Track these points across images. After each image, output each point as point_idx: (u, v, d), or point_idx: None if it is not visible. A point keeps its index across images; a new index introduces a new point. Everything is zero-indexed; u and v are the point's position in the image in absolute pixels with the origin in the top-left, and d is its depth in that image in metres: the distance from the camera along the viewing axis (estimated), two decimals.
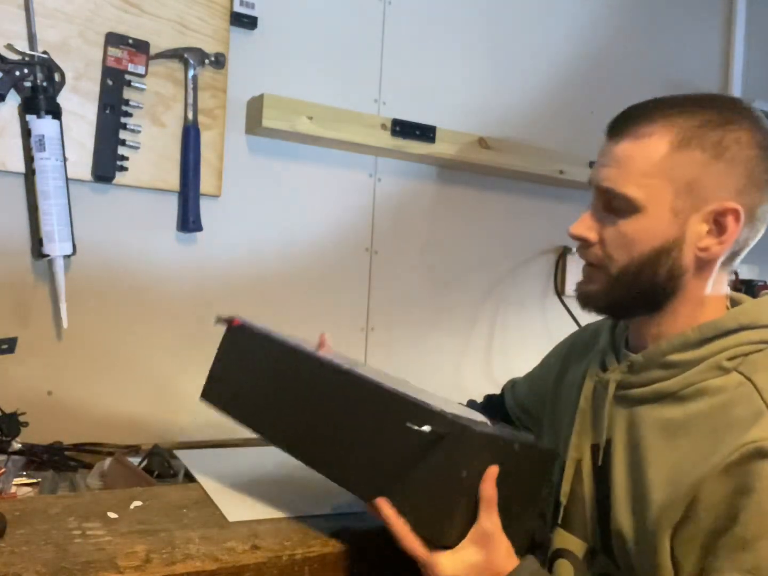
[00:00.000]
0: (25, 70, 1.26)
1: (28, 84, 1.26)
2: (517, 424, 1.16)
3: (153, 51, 1.38)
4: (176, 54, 1.40)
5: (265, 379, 1.02)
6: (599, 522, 0.86)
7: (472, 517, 0.80)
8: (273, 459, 1.34)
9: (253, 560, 0.86)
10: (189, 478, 1.16)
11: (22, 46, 1.27)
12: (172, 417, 1.46)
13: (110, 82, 1.34)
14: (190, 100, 1.42)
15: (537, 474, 0.90)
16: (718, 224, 0.79)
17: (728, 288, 0.86)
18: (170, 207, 1.44)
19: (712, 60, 2.24)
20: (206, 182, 1.44)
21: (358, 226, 1.67)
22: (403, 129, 1.60)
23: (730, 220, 0.78)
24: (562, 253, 1.94)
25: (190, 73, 1.41)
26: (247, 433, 1.50)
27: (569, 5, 1.94)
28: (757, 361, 0.78)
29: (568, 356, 1.05)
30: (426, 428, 0.79)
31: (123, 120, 1.35)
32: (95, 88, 1.34)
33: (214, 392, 1.08)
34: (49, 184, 1.26)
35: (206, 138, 1.44)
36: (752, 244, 0.83)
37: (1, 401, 1.22)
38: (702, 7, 2.20)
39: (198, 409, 1.49)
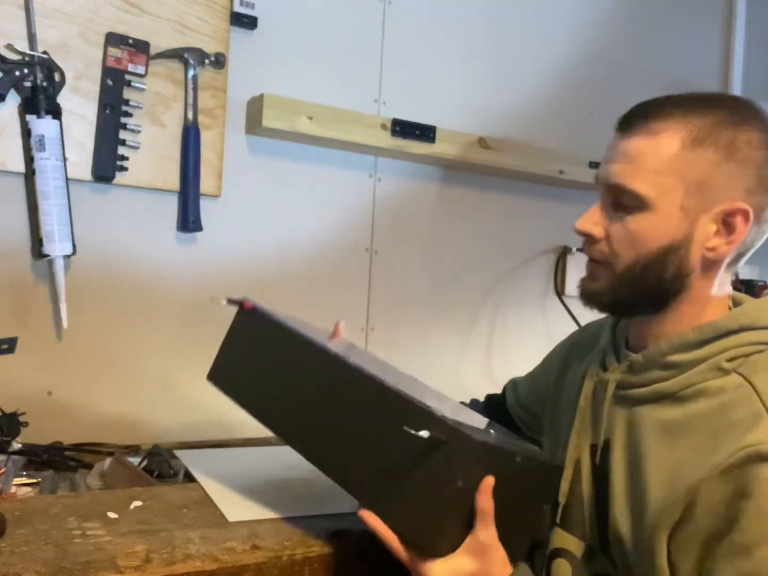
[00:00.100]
0: (25, 70, 1.26)
1: (28, 84, 1.26)
2: (518, 423, 1.16)
3: (153, 51, 1.38)
4: (176, 54, 1.40)
5: (270, 366, 1.01)
6: (597, 522, 0.86)
7: (465, 528, 0.79)
8: (273, 459, 1.34)
9: (253, 560, 0.86)
10: (189, 478, 1.16)
11: (22, 46, 1.27)
12: (172, 417, 1.46)
13: (110, 82, 1.34)
14: (190, 100, 1.42)
15: (539, 487, 0.88)
16: (726, 224, 0.79)
17: (731, 288, 0.86)
18: (170, 207, 1.44)
19: (712, 60, 2.24)
20: (206, 182, 1.44)
21: (358, 226, 1.67)
22: (403, 129, 1.60)
23: (739, 221, 0.78)
24: (562, 253, 1.94)
25: (190, 73, 1.41)
26: (247, 433, 1.51)
27: (569, 5, 1.94)
28: (757, 362, 0.77)
29: (569, 356, 1.04)
30: (424, 433, 0.78)
31: (123, 120, 1.36)
32: (95, 88, 1.34)
33: (220, 374, 1.06)
34: (49, 184, 1.26)
35: (206, 138, 1.44)
36: (758, 245, 0.83)
37: (1, 401, 1.22)
38: (702, 7, 2.20)
39: (198, 409, 1.50)
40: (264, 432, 1.53)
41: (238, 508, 1.00)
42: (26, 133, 1.27)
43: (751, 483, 0.69)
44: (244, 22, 1.48)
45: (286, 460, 1.34)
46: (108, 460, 1.19)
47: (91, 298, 1.38)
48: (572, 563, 0.88)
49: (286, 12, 1.55)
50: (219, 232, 1.49)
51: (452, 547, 0.78)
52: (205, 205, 1.45)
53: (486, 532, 0.78)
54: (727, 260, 0.81)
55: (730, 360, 0.78)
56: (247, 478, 1.14)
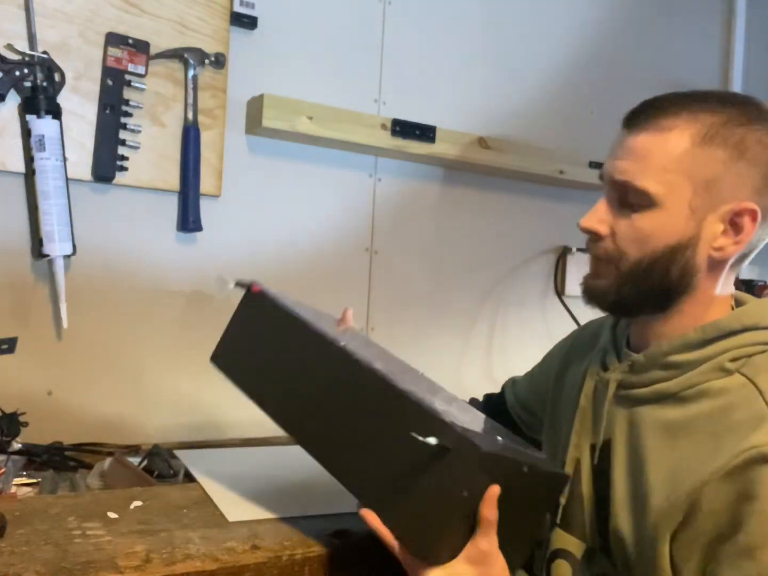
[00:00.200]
0: (25, 70, 1.26)
1: (28, 84, 1.26)
2: (518, 423, 1.15)
3: (153, 51, 1.38)
4: (176, 54, 1.40)
5: (275, 352, 0.99)
6: (598, 522, 0.85)
7: (466, 535, 0.77)
8: (273, 459, 1.34)
9: (253, 560, 0.86)
10: (189, 478, 1.16)
11: (22, 46, 1.27)
12: (172, 417, 1.46)
13: (110, 82, 1.34)
14: (190, 100, 1.42)
15: (543, 496, 0.87)
16: (734, 224, 0.78)
17: (734, 288, 0.85)
18: (170, 207, 1.44)
19: (712, 60, 2.24)
20: (206, 182, 1.44)
21: (358, 226, 1.67)
22: (403, 129, 1.60)
23: (746, 221, 0.77)
24: (562, 253, 1.94)
25: (190, 73, 1.41)
26: (247, 433, 1.51)
27: (569, 5, 1.94)
28: (760, 362, 0.77)
29: (569, 355, 1.04)
30: (432, 440, 0.76)
31: (123, 120, 1.36)
32: (95, 88, 1.34)
33: (223, 357, 1.05)
34: (49, 184, 1.26)
35: (206, 138, 1.44)
36: (761, 245, 0.82)
37: (1, 401, 1.22)
38: (702, 7, 2.20)
39: (198, 409, 1.50)
40: (264, 432, 1.54)
41: (238, 508, 1.00)
42: (26, 133, 1.27)
43: (754, 485, 0.69)
44: (244, 22, 1.48)
45: (286, 460, 1.34)
46: (108, 460, 1.19)
47: (91, 298, 1.38)
48: (572, 564, 0.88)
49: (286, 12, 1.55)
50: (219, 232, 1.49)
51: (452, 554, 0.77)
52: (205, 205, 1.45)
53: (487, 540, 0.77)
54: (732, 260, 0.81)
55: (732, 360, 0.77)
56: (247, 478, 1.14)
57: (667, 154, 0.77)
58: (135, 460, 1.21)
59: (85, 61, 1.33)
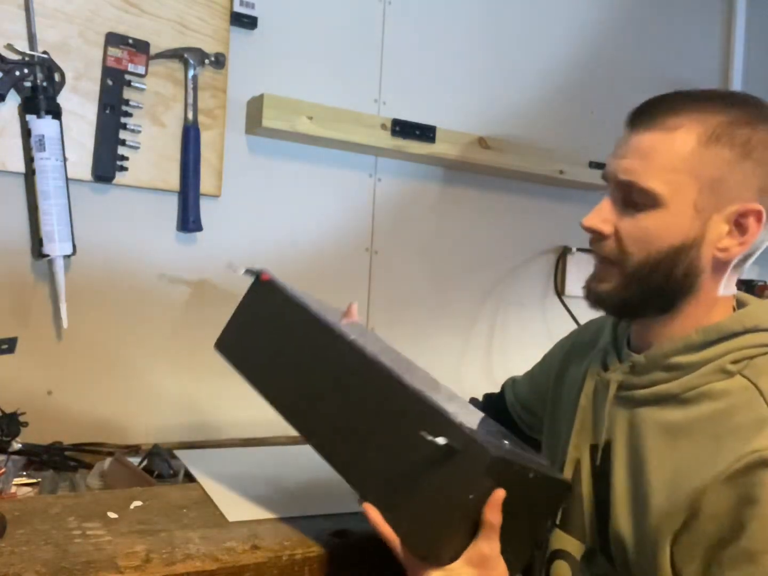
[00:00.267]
0: (25, 70, 1.26)
1: (28, 84, 1.26)
2: (518, 422, 1.15)
3: (153, 51, 1.38)
4: (176, 54, 1.40)
5: (282, 342, 0.99)
6: (597, 523, 0.85)
7: (468, 537, 0.77)
8: (273, 459, 1.34)
9: (253, 560, 0.86)
10: (189, 478, 1.16)
11: (22, 46, 1.27)
12: (172, 417, 1.46)
13: (110, 82, 1.34)
14: (190, 100, 1.42)
15: (546, 502, 0.87)
16: (739, 225, 0.77)
17: (735, 289, 0.85)
18: (170, 207, 1.44)
19: (712, 60, 2.24)
20: (206, 182, 1.44)
21: (358, 226, 1.67)
22: (403, 129, 1.60)
23: (751, 222, 0.77)
24: (562, 253, 1.94)
25: (190, 73, 1.41)
26: (247, 433, 1.51)
27: (569, 5, 1.94)
28: (762, 364, 0.76)
29: (569, 354, 1.03)
30: (441, 440, 0.75)
31: (123, 120, 1.36)
32: (95, 88, 1.34)
33: (228, 344, 1.04)
34: (49, 184, 1.26)
35: (206, 138, 1.44)
36: (765, 246, 0.82)
37: (1, 401, 1.22)
38: (702, 7, 2.20)
39: (198, 409, 1.50)
40: (264, 432, 1.54)
41: (238, 508, 1.00)
42: (26, 133, 1.27)
43: (757, 489, 0.69)
44: (244, 22, 1.48)
45: (286, 460, 1.34)
46: (108, 460, 1.19)
47: (91, 298, 1.38)
48: (572, 565, 0.88)
49: (286, 12, 1.55)
50: (219, 232, 1.49)
51: (453, 556, 0.77)
52: (205, 205, 1.45)
53: (489, 544, 0.76)
54: (735, 261, 0.80)
55: (734, 362, 0.77)
56: (247, 478, 1.14)
57: (673, 154, 0.76)
58: (135, 460, 1.21)
59: (85, 61, 1.33)
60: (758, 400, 0.74)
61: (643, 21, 2.07)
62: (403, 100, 1.69)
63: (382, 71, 1.68)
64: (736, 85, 2.24)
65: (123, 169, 1.36)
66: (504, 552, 0.78)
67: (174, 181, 1.42)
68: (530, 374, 1.16)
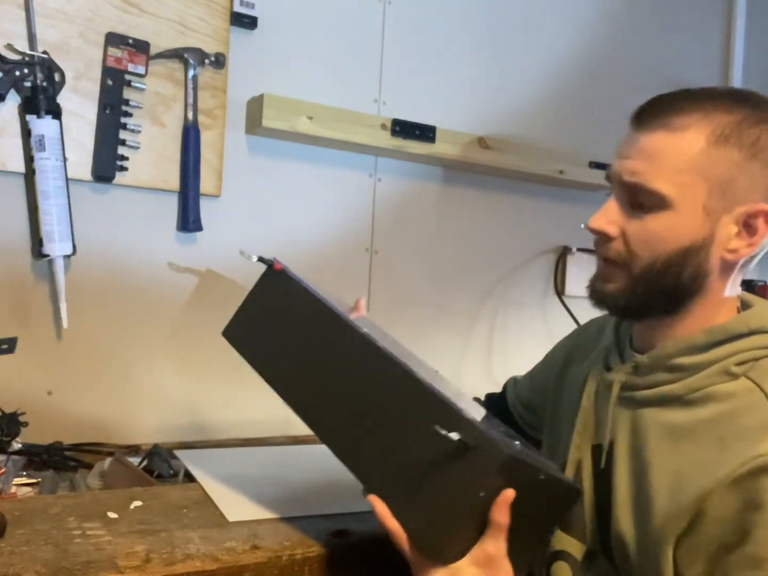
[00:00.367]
0: (25, 70, 1.26)
1: (28, 84, 1.26)
2: (519, 422, 1.15)
3: (153, 51, 1.38)
4: (176, 54, 1.40)
5: (292, 332, 0.98)
6: (599, 524, 0.85)
7: (475, 536, 0.76)
8: (273, 459, 1.34)
9: (253, 560, 0.86)
10: (189, 478, 1.16)
11: (22, 46, 1.27)
12: (172, 417, 1.46)
13: (110, 82, 1.34)
14: (190, 100, 1.42)
15: (554, 506, 0.85)
16: (747, 226, 0.76)
17: (740, 289, 0.84)
18: (170, 207, 1.44)
19: (712, 60, 2.24)
20: (206, 182, 1.44)
21: (358, 226, 1.67)
22: (403, 129, 1.60)
23: (760, 223, 0.76)
24: (562, 253, 1.94)
25: (190, 73, 1.41)
26: (247, 433, 1.51)
27: (569, 5, 1.94)
28: (767, 366, 0.76)
29: (571, 354, 1.03)
30: (454, 435, 0.74)
31: (123, 120, 1.36)
32: (95, 88, 1.34)
33: (237, 332, 1.04)
34: (49, 184, 1.26)
35: (206, 138, 1.44)
36: None
37: (1, 401, 1.22)
38: (702, 6, 2.20)
39: (198, 409, 1.50)
40: (264, 432, 1.54)
41: (238, 508, 1.00)
42: (26, 133, 1.27)
43: (762, 494, 0.68)
44: (244, 22, 1.48)
45: (286, 460, 1.34)
46: (108, 460, 1.19)
47: (91, 298, 1.38)
48: (572, 566, 0.87)
49: (286, 12, 1.55)
50: (219, 232, 1.49)
51: (459, 554, 0.76)
52: (205, 205, 1.45)
53: (496, 544, 0.76)
54: (741, 262, 0.79)
55: (738, 364, 0.76)
56: (247, 478, 1.14)
57: (681, 155, 0.75)
58: (135, 460, 1.21)
59: (85, 61, 1.33)
60: (763, 402, 0.73)
61: (643, 21, 2.07)
62: (403, 100, 1.69)
63: (382, 71, 1.68)
64: (736, 85, 2.24)
65: (123, 169, 1.36)
66: (509, 553, 0.77)
67: (174, 181, 1.42)
68: (532, 374, 1.16)
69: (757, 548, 0.68)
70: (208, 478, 1.13)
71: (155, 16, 1.39)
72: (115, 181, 1.36)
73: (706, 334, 0.78)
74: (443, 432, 0.75)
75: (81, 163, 1.33)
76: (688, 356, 0.78)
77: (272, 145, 1.54)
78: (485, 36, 1.81)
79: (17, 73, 1.25)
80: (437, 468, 0.77)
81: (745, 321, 0.78)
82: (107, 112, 1.34)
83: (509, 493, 0.75)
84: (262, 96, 1.45)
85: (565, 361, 1.03)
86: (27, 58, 1.26)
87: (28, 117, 1.26)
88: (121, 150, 1.36)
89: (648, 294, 0.79)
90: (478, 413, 0.94)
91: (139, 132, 1.37)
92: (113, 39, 1.34)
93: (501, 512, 0.75)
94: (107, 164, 1.35)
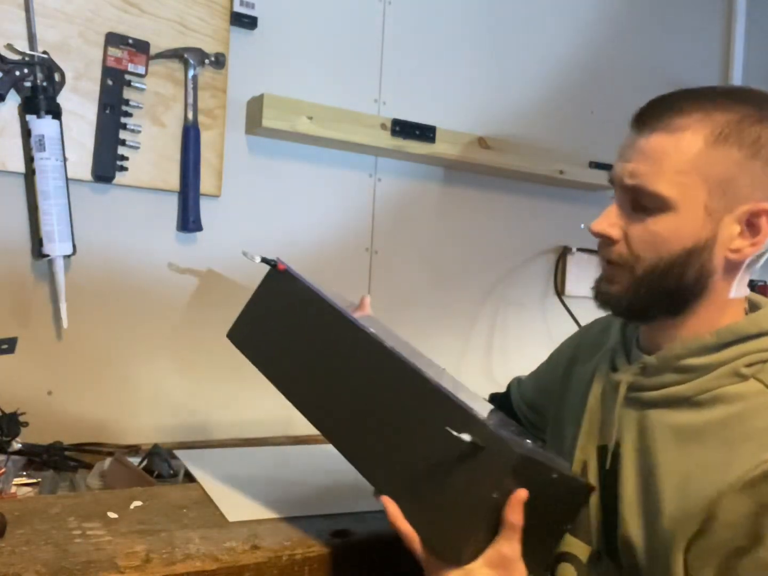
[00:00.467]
0: (25, 70, 1.26)
1: (28, 84, 1.26)
2: (523, 422, 1.14)
3: (153, 51, 1.38)
4: (176, 54, 1.40)
5: (297, 333, 0.98)
6: (605, 526, 0.84)
7: (489, 537, 0.75)
8: (273, 459, 1.34)
9: (253, 560, 0.86)
10: (189, 478, 1.16)
11: (22, 46, 1.27)
12: (172, 417, 1.46)
13: (110, 82, 1.34)
14: (190, 100, 1.42)
15: (567, 505, 0.85)
16: (750, 225, 0.76)
17: (748, 290, 0.83)
18: (170, 207, 1.44)
19: (712, 60, 2.24)
20: (206, 182, 1.44)
21: (358, 226, 1.67)
22: (403, 129, 1.60)
23: (763, 221, 0.75)
24: (562, 253, 1.94)
25: (190, 73, 1.41)
26: (247, 433, 1.51)
27: (569, 5, 1.94)
28: None
29: (576, 353, 1.02)
30: (466, 436, 0.74)
31: (123, 120, 1.36)
32: (95, 88, 1.34)
33: (241, 334, 1.04)
34: (49, 184, 1.26)
35: (206, 138, 1.44)
36: None
37: (1, 401, 1.22)
38: (702, 6, 2.20)
39: (198, 409, 1.50)
40: (264, 432, 1.54)
41: (238, 508, 1.00)
42: (26, 133, 1.27)
43: None
44: (244, 22, 1.48)
45: (287, 460, 1.34)
46: (108, 460, 1.19)
47: (91, 298, 1.38)
48: (577, 568, 0.86)
49: (286, 12, 1.55)
50: (219, 232, 1.49)
51: (473, 556, 0.76)
52: (205, 205, 1.45)
53: (510, 545, 0.75)
54: (747, 261, 0.78)
55: (748, 365, 0.75)
56: (247, 478, 1.14)
57: (680, 156, 0.75)
58: (135, 460, 1.21)
59: (85, 61, 1.33)
60: None
61: (643, 21, 2.07)
62: (403, 100, 1.69)
63: (382, 71, 1.68)
64: (736, 84, 2.24)
65: (123, 169, 1.36)
66: (524, 554, 0.76)
67: (174, 181, 1.42)
68: (536, 373, 1.15)
69: None
70: (208, 478, 1.13)
71: (155, 16, 1.39)
72: (115, 181, 1.36)
73: (715, 335, 0.77)
74: (455, 433, 0.74)
75: (81, 163, 1.33)
76: (697, 357, 0.78)
77: (272, 145, 1.55)
78: (485, 36, 1.81)
79: (17, 73, 1.25)
80: (448, 469, 0.77)
81: (756, 322, 0.77)
82: (107, 112, 1.34)
83: (522, 493, 0.74)
84: (262, 96, 1.45)
85: (569, 361, 1.02)
86: (27, 58, 1.26)
87: (28, 117, 1.26)
88: (121, 150, 1.36)
89: (651, 295, 0.79)
90: (484, 408, 0.94)
91: (139, 132, 1.37)
92: (113, 39, 1.34)
93: (514, 512, 0.74)
94: (107, 164, 1.35)
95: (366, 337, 0.90)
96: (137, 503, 1.00)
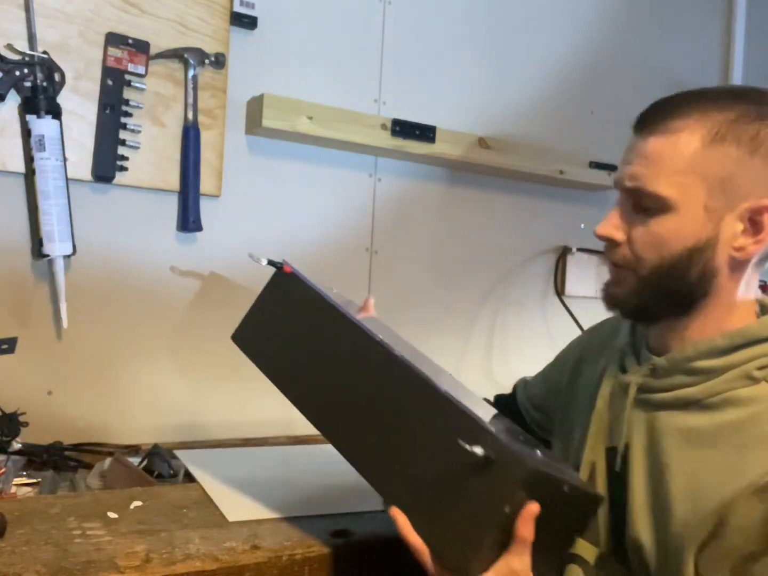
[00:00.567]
0: (25, 70, 1.26)
1: (28, 84, 1.26)
2: (529, 422, 1.14)
3: (153, 51, 1.38)
4: (176, 54, 1.40)
5: (303, 337, 0.97)
6: (613, 528, 0.83)
7: (500, 550, 0.75)
8: (273, 459, 1.34)
9: (253, 560, 0.86)
10: (189, 478, 1.16)
11: (22, 46, 1.27)
12: (172, 417, 1.46)
13: (110, 82, 1.34)
14: (190, 100, 1.42)
15: (577, 516, 0.84)
16: (753, 223, 0.75)
17: (759, 291, 0.83)
18: (170, 207, 1.44)
19: (712, 60, 2.24)
20: (206, 182, 1.44)
21: (358, 226, 1.67)
22: (403, 129, 1.60)
23: (766, 218, 0.75)
24: (562, 253, 1.94)
25: (190, 73, 1.41)
26: (247, 433, 1.51)
27: (569, 5, 1.94)
28: None
29: (583, 355, 1.01)
30: (479, 450, 0.74)
31: (123, 120, 1.36)
32: (95, 88, 1.34)
33: (246, 336, 1.03)
34: (49, 184, 1.26)
35: (206, 138, 1.44)
36: None
37: (1, 401, 1.22)
38: (702, 6, 2.20)
39: (198, 409, 1.50)
40: (264, 432, 1.54)
41: (238, 508, 1.00)
42: (26, 133, 1.27)
43: None
44: (244, 22, 1.48)
45: (287, 460, 1.34)
46: (108, 460, 1.19)
47: (91, 298, 1.38)
48: (585, 569, 0.86)
49: (286, 12, 1.55)
50: (219, 232, 1.49)
51: (483, 569, 0.75)
52: (205, 205, 1.45)
53: (520, 559, 0.74)
54: (754, 260, 0.78)
55: (760, 368, 0.75)
56: (247, 478, 1.14)
57: (677, 157, 0.75)
58: (135, 460, 1.21)
59: (85, 61, 1.33)
60: None
61: (643, 21, 2.07)
62: (403, 100, 1.69)
63: (382, 71, 1.68)
64: (736, 84, 2.24)
65: (123, 169, 1.36)
66: (533, 567, 0.76)
67: (174, 181, 1.42)
68: (542, 374, 1.14)
69: None
70: (208, 478, 1.13)
71: (155, 16, 1.39)
72: (115, 181, 1.36)
73: (726, 337, 0.77)
74: (467, 447, 0.74)
75: (81, 163, 1.33)
76: (707, 359, 0.77)
77: (272, 145, 1.55)
78: (485, 36, 1.81)
79: (17, 73, 1.25)
80: (459, 481, 0.76)
81: (767, 325, 0.77)
82: (107, 112, 1.34)
83: (534, 507, 0.74)
84: (262, 96, 1.45)
85: (577, 362, 1.02)
86: (27, 58, 1.26)
87: (28, 117, 1.26)
88: (121, 150, 1.36)
89: (656, 296, 0.80)
90: (487, 412, 0.93)
91: (139, 132, 1.37)
92: (113, 39, 1.34)
93: (526, 526, 0.74)
94: (107, 164, 1.35)
95: (374, 344, 0.89)
96: (137, 503, 1.00)
